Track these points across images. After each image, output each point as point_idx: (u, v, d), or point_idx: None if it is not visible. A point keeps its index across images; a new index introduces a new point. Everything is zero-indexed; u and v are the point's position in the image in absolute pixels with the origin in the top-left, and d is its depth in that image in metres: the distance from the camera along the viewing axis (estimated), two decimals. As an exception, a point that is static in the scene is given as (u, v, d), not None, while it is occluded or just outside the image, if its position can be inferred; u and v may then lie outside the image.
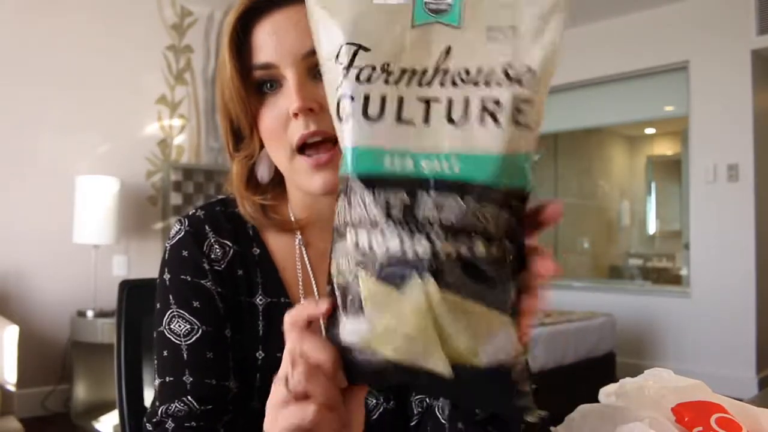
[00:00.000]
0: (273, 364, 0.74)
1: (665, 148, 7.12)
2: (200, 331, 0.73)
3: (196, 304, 0.74)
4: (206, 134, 4.30)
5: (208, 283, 0.75)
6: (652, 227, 7.11)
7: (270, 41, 0.69)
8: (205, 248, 0.76)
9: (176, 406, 0.71)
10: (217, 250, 0.77)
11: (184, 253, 0.76)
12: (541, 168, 6.36)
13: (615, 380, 0.80)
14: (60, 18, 3.68)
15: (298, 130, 0.68)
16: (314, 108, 0.67)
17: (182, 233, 0.77)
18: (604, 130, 6.52)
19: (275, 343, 0.75)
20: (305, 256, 0.79)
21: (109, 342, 3.29)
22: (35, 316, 3.51)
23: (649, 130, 6.94)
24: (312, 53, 0.66)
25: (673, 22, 4.62)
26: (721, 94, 4.41)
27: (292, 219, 0.79)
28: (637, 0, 4.60)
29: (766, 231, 4.37)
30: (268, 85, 0.71)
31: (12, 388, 2.54)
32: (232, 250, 0.78)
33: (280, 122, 0.70)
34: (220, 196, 0.84)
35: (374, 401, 0.78)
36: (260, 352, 0.76)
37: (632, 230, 7.15)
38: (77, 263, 3.63)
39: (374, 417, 0.78)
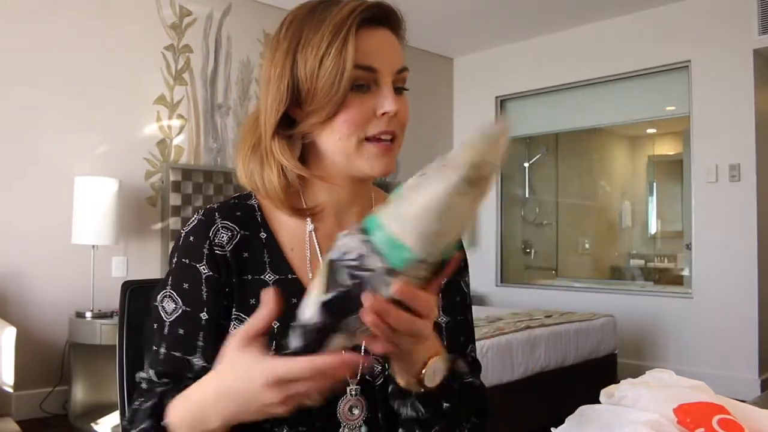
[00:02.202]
0: (286, 333, 0.82)
1: (667, 148, 7.10)
2: (180, 311, 0.85)
3: (185, 285, 0.85)
4: (205, 134, 4.29)
5: (202, 267, 0.86)
6: (653, 228, 7.09)
7: (378, 50, 0.83)
8: (210, 234, 0.87)
9: (148, 375, 0.84)
10: (223, 235, 0.87)
11: (191, 238, 0.87)
12: (542, 168, 6.35)
13: (616, 381, 0.78)
14: (58, 18, 3.67)
15: (380, 126, 0.83)
16: (397, 113, 0.83)
17: (195, 222, 0.89)
18: (605, 130, 6.51)
19: (288, 313, 0.83)
20: (315, 239, 0.90)
21: (107, 343, 3.28)
22: (33, 317, 3.49)
23: (651, 130, 6.92)
24: (401, 71, 0.85)
25: (675, 22, 4.61)
26: (722, 94, 4.39)
27: (303, 202, 0.90)
28: (637, 0, 4.59)
29: (768, 231, 4.36)
30: (361, 84, 0.82)
31: (10, 389, 2.52)
32: (239, 235, 0.88)
33: (365, 116, 0.82)
34: (236, 194, 0.96)
35: (379, 368, 0.86)
36: (276, 323, 0.82)
37: (633, 231, 7.13)
38: (76, 264, 3.62)
39: (379, 382, 0.86)
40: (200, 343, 0.84)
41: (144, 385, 0.85)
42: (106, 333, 3.28)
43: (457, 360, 0.85)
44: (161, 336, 0.85)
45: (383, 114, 0.82)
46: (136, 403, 0.83)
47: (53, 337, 3.54)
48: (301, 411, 0.82)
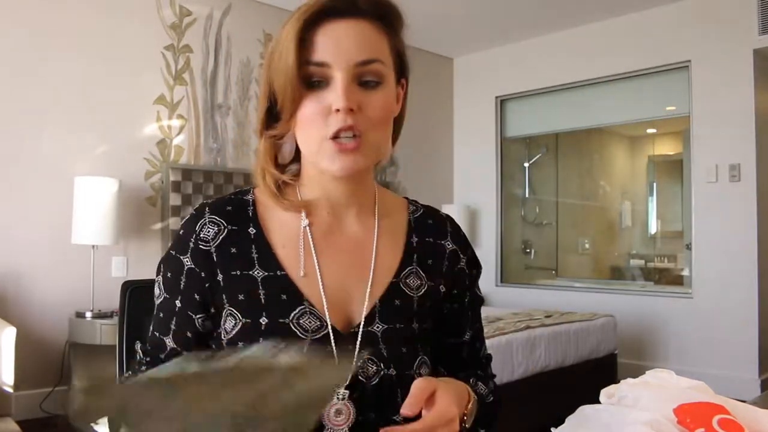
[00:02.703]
0: (275, 329, 0.83)
1: (667, 148, 7.10)
2: (162, 297, 0.90)
3: (168, 275, 0.89)
4: (205, 134, 4.29)
5: (186, 259, 0.88)
6: (653, 228, 7.09)
7: (329, 44, 0.80)
8: (197, 228, 0.88)
9: (140, 353, 0.93)
10: (209, 230, 0.88)
11: (181, 232, 0.90)
12: (542, 168, 6.35)
13: (616, 381, 0.78)
14: (58, 18, 3.67)
15: (336, 123, 0.79)
16: (354, 108, 0.80)
17: (188, 216, 0.91)
18: (605, 130, 6.51)
19: (276, 310, 0.85)
20: (309, 234, 0.88)
21: (107, 343, 3.28)
22: (33, 317, 3.49)
23: (651, 130, 6.92)
24: (362, 63, 0.80)
25: (675, 22, 4.60)
26: (722, 94, 4.39)
27: (300, 199, 0.90)
28: (637, 0, 4.60)
29: (769, 231, 4.36)
30: (317, 80, 0.81)
31: (10, 389, 2.52)
32: (226, 229, 0.88)
33: (322, 113, 0.80)
34: (237, 190, 0.97)
35: (374, 368, 0.84)
36: (263, 318, 0.84)
37: (633, 231, 7.13)
38: (76, 264, 3.62)
39: (374, 382, 0.84)
40: (173, 327, 0.89)
41: (137, 357, 0.94)
42: (106, 333, 3.28)
43: (476, 387, 0.90)
44: (152, 317, 0.93)
45: (337, 110, 0.79)
46: (127, 374, 0.94)
47: (53, 337, 3.54)
48: None
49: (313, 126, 0.81)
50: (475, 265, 1.01)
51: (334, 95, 0.79)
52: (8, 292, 3.46)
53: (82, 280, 3.57)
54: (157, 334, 0.90)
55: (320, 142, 0.81)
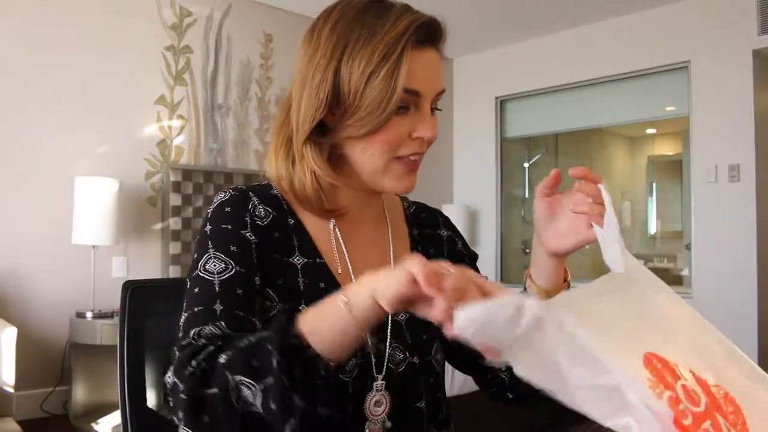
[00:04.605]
0: None
1: (666, 149, 7.10)
2: (234, 270, 0.80)
3: (233, 248, 0.82)
4: (205, 135, 4.29)
5: (247, 234, 0.84)
6: (653, 228, 7.09)
7: (423, 73, 0.82)
8: (250, 207, 0.86)
9: (209, 329, 0.75)
10: (261, 211, 0.87)
11: (227, 209, 0.86)
12: (542, 168, 6.35)
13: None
14: (59, 18, 3.67)
15: (412, 148, 0.84)
16: None
17: (227, 196, 0.87)
18: (605, 131, 6.51)
19: (314, 298, 0.82)
20: (338, 231, 0.91)
21: (108, 343, 3.28)
22: (34, 317, 3.49)
23: (650, 131, 6.92)
24: (440, 93, 0.85)
25: (674, 22, 4.61)
26: (722, 94, 4.39)
27: (326, 206, 0.90)
28: (637, 0, 4.59)
29: (768, 231, 4.36)
30: (402, 106, 0.81)
31: (10, 389, 2.52)
32: (271, 215, 0.88)
33: (401, 138, 0.83)
34: (255, 183, 0.95)
35: (401, 356, 0.88)
36: (303, 305, 0.83)
37: (633, 231, 7.13)
38: (76, 264, 3.62)
39: (401, 369, 0.88)
40: (257, 308, 0.81)
41: (203, 341, 0.74)
42: (107, 333, 3.29)
43: None
44: (210, 294, 0.78)
45: (418, 137, 0.83)
46: (201, 356, 0.71)
47: (54, 337, 3.54)
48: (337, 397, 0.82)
49: (389, 148, 0.83)
50: (470, 250, 1.07)
51: (421, 124, 0.83)
52: (8, 292, 3.46)
53: (82, 280, 3.57)
54: (242, 314, 0.78)
55: (388, 162, 0.84)
